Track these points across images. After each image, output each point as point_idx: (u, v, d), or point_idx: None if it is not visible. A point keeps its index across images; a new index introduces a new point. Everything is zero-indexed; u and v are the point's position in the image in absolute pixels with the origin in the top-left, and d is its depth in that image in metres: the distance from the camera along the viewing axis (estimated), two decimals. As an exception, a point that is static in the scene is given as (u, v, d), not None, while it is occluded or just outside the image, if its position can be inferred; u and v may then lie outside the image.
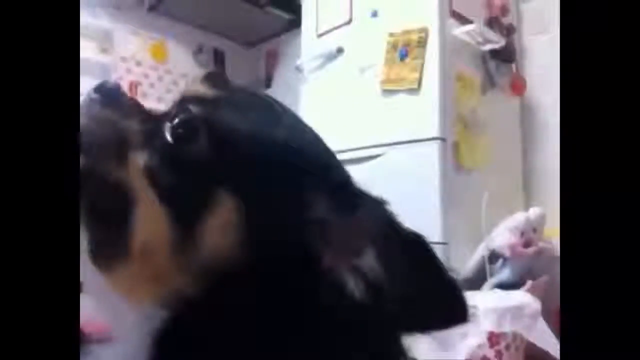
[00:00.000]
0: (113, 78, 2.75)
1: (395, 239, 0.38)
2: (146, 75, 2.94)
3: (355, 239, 0.37)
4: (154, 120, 0.44)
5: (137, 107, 0.47)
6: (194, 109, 0.42)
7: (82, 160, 0.41)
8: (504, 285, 1.61)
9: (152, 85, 2.95)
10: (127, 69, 2.85)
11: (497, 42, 1.86)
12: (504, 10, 2.01)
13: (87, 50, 2.60)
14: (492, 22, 1.93)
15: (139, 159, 0.41)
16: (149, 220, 0.39)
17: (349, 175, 0.43)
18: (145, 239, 0.39)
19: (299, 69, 2.22)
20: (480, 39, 1.83)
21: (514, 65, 2.05)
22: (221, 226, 0.38)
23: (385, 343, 0.40)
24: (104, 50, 2.73)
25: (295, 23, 2.69)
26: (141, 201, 0.40)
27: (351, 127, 1.89)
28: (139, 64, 2.91)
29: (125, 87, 2.77)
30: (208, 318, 0.38)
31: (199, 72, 3.12)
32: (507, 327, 1.35)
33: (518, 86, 2.05)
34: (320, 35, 2.16)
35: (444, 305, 0.38)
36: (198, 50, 3.18)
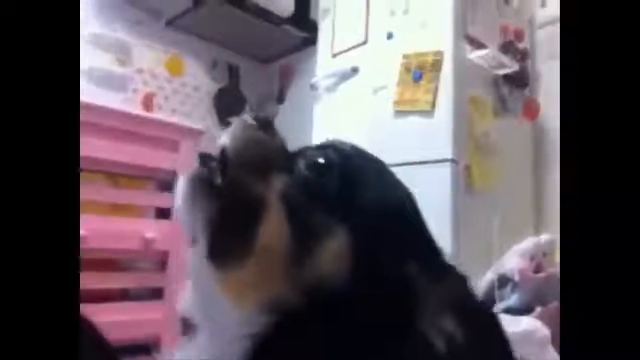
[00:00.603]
0: (129, 89, 2.80)
1: (474, 310, 0.44)
2: (161, 88, 2.98)
3: (439, 302, 0.42)
4: (293, 154, 0.52)
5: (282, 140, 0.54)
6: (331, 153, 0.50)
7: (231, 171, 0.48)
8: (512, 310, 1.60)
9: (166, 98, 2.99)
10: (143, 81, 2.89)
11: (511, 66, 1.87)
12: (519, 35, 2.03)
13: (105, 62, 2.65)
14: (507, 47, 1.94)
15: (279, 179, 0.48)
16: (275, 232, 0.45)
17: (441, 248, 0.49)
18: (267, 246, 0.44)
19: (313, 87, 2.24)
20: (494, 64, 1.85)
21: (527, 90, 2.06)
22: (333, 253, 0.44)
23: None
24: (121, 62, 2.77)
25: (310, 41, 2.72)
26: (271, 215, 0.45)
27: (364, 147, 1.89)
28: (154, 76, 2.95)
29: (140, 98, 2.81)
30: (306, 330, 0.42)
31: (214, 86, 3.17)
32: (516, 353, 1.34)
33: (531, 111, 2.06)
34: (335, 55, 2.19)
35: None
36: (213, 65, 3.22)
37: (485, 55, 1.81)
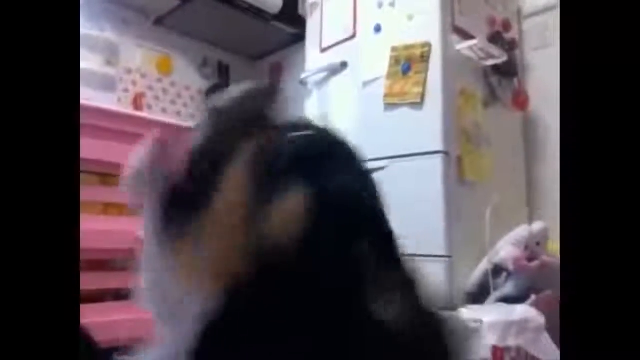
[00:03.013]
0: (118, 90, 2.78)
1: (415, 310, 0.44)
2: (151, 88, 2.96)
3: (390, 284, 0.43)
4: (275, 125, 0.52)
5: (279, 109, 0.54)
6: (306, 127, 0.51)
7: (202, 131, 0.49)
8: (507, 299, 1.61)
9: (156, 97, 2.98)
10: (133, 81, 2.88)
11: (500, 57, 1.88)
12: (506, 25, 2.04)
13: (93, 63, 2.63)
14: (495, 38, 1.94)
15: (254, 142, 0.48)
16: (233, 189, 0.45)
17: (396, 235, 0.50)
18: (224, 203, 0.44)
19: (303, 83, 2.24)
20: (482, 54, 1.85)
21: (516, 80, 2.07)
22: (288, 215, 0.44)
23: None
24: (109, 63, 2.76)
25: (299, 37, 2.71)
26: (235, 170, 0.46)
27: (354, 141, 1.89)
28: (144, 76, 2.93)
29: (130, 98, 2.80)
30: (256, 303, 0.41)
31: (204, 84, 3.16)
32: (511, 342, 1.35)
33: (521, 101, 2.07)
34: (324, 50, 2.19)
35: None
36: (203, 64, 3.21)
37: (474, 46, 1.81)
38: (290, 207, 0.44)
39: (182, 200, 0.47)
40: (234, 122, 0.50)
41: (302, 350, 0.40)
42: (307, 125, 0.52)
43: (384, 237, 0.49)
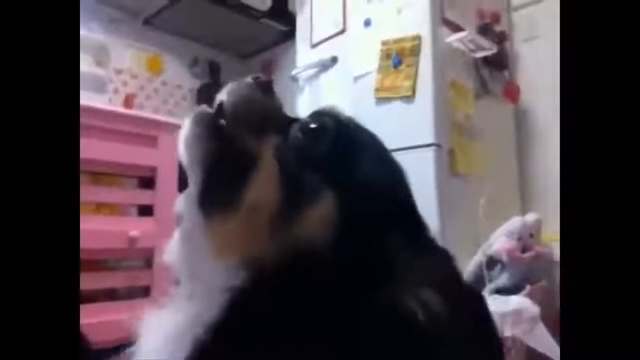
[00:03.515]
0: (109, 90, 2.76)
1: (458, 287, 0.43)
2: (142, 88, 2.95)
3: (422, 276, 0.41)
4: (290, 119, 0.52)
5: (280, 104, 0.54)
6: (327, 120, 0.49)
7: (227, 122, 0.48)
8: (502, 291, 1.61)
9: (148, 97, 2.96)
10: (123, 82, 2.86)
11: (490, 49, 1.88)
12: (496, 17, 2.04)
13: (83, 63, 2.61)
14: (484, 30, 1.95)
15: (273, 137, 0.48)
16: (265, 186, 0.45)
17: (427, 225, 0.49)
18: (256, 200, 0.45)
19: (293, 79, 2.23)
20: (472, 46, 1.85)
21: (507, 72, 2.07)
22: (319, 215, 0.44)
23: None
24: (99, 63, 2.74)
25: (290, 34, 2.70)
26: (263, 169, 0.46)
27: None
28: (134, 76, 2.92)
29: (120, 99, 2.78)
30: (283, 290, 0.42)
31: (195, 84, 3.15)
32: (507, 332, 1.35)
33: (512, 93, 2.07)
34: (314, 46, 2.18)
35: (486, 357, 0.42)
36: (193, 62, 3.19)
37: (464, 38, 1.81)
38: (322, 204, 0.44)
39: (227, 173, 0.47)
40: (251, 116, 0.50)
41: (329, 341, 0.39)
42: (329, 114, 0.51)
43: (416, 224, 0.48)
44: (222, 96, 0.50)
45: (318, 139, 0.48)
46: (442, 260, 0.44)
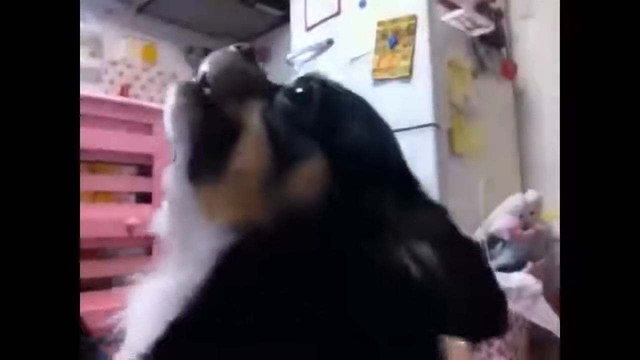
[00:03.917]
0: (104, 81, 2.74)
1: (453, 240, 0.42)
2: (137, 77, 2.93)
3: (416, 231, 0.41)
4: (274, 85, 0.52)
5: (264, 71, 0.54)
6: (313, 83, 0.49)
7: (208, 91, 0.48)
8: (504, 268, 1.61)
9: (143, 87, 2.94)
10: (119, 72, 2.84)
11: (487, 26, 1.86)
12: (492, -5, 2.01)
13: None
14: (481, 7, 1.92)
15: (258, 103, 0.48)
16: (252, 150, 0.45)
17: (419, 181, 0.48)
18: (244, 164, 0.45)
19: (289, 63, 2.21)
20: (469, 24, 1.83)
21: (504, 50, 2.05)
22: (309, 175, 0.44)
23: (424, 327, 0.42)
24: (93, 54, 2.72)
25: (285, 19, 2.68)
26: (250, 135, 0.46)
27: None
28: (129, 66, 2.90)
29: (116, 90, 2.77)
30: (273, 251, 0.41)
31: (190, 72, 3.13)
32: (510, 307, 1.36)
33: (508, 70, 2.05)
34: (309, 29, 2.16)
35: (488, 313, 0.41)
36: (189, 51, 3.17)
37: (460, 16, 1.79)
38: (312, 164, 0.44)
39: (214, 140, 0.47)
40: (236, 84, 0.49)
41: (319, 300, 0.39)
42: (314, 79, 0.50)
43: (407, 180, 0.47)
44: (204, 66, 0.50)
45: (304, 103, 0.48)
46: (436, 214, 0.43)
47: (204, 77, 0.49)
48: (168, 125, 0.48)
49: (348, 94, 0.51)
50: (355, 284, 0.40)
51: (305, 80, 0.50)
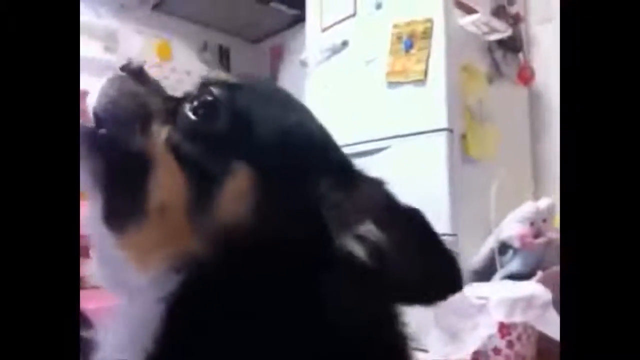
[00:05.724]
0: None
1: (394, 211, 0.41)
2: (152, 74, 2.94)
3: (357, 211, 0.40)
4: (175, 100, 0.48)
5: (160, 87, 0.50)
6: (216, 91, 0.45)
7: (106, 128, 0.45)
8: (514, 276, 1.60)
9: (157, 84, 2.96)
10: (133, 68, 2.86)
11: (504, 31, 1.84)
12: (510, -1, 1.99)
13: (92, 50, 2.61)
14: (499, 11, 1.90)
15: (162, 131, 0.45)
16: (168, 184, 0.42)
17: (349, 159, 0.47)
18: (163, 200, 0.42)
19: (303, 64, 2.21)
20: (486, 29, 1.81)
21: (521, 55, 2.03)
22: (236, 192, 0.41)
23: (384, 306, 0.43)
24: (108, 49, 2.74)
25: (299, 18, 2.68)
26: (161, 167, 0.43)
27: (357, 120, 1.88)
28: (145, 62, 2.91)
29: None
30: (221, 282, 0.39)
31: (204, 69, 3.14)
32: (518, 318, 1.35)
33: (525, 76, 2.03)
34: (324, 30, 2.15)
35: (441, 273, 0.40)
36: (203, 48, 3.18)
37: (477, 21, 1.77)
38: (236, 178, 0.41)
39: (125, 183, 0.44)
40: (130, 113, 0.45)
41: (274, 311, 0.39)
42: (215, 83, 0.47)
43: (338, 162, 0.45)
44: (92, 102, 0.46)
45: (210, 114, 0.44)
46: (374, 189, 0.42)
47: (95, 114, 0.46)
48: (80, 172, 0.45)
49: (254, 89, 0.48)
50: (305, 286, 0.39)
51: (205, 86, 0.47)
